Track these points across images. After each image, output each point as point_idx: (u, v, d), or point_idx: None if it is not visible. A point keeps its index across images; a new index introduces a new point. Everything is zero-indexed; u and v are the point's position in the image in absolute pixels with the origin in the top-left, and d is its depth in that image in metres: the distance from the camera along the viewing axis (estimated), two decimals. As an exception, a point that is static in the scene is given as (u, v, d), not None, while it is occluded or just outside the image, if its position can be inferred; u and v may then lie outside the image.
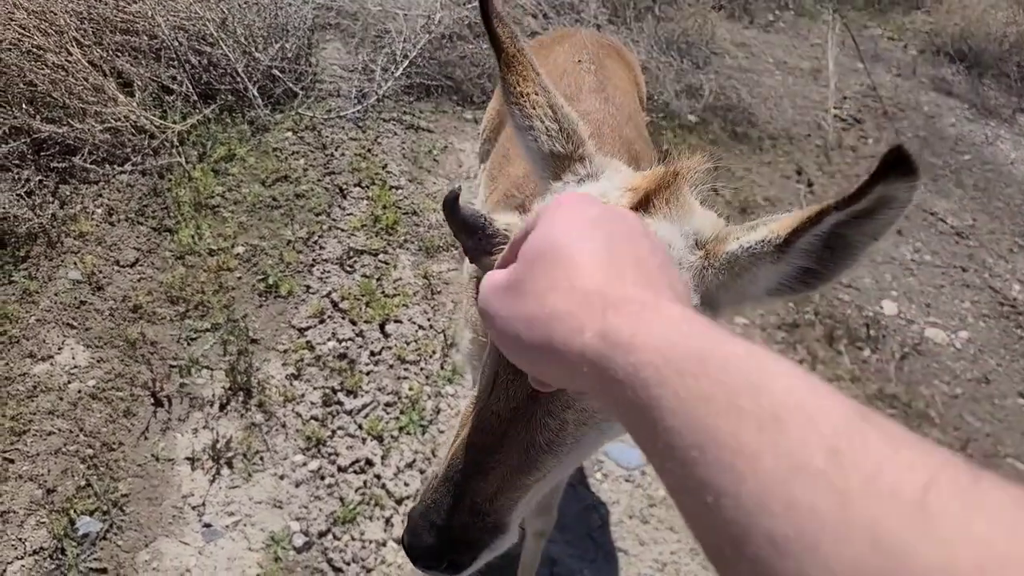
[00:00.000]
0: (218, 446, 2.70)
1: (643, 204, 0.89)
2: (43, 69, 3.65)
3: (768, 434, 0.39)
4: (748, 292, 0.89)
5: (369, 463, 2.76)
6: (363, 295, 3.35)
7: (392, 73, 4.65)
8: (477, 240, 0.87)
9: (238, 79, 4.23)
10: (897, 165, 0.64)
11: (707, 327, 0.48)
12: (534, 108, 1.01)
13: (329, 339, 3.16)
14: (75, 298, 3.10)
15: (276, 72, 4.39)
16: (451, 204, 0.84)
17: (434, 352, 3.19)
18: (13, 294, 3.06)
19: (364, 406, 2.94)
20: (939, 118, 6.03)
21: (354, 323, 3.24)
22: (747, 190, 4.63)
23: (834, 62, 5.88)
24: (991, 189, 5.27)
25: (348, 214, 3.80)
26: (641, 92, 2.68)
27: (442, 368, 3.13)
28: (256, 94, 4.22)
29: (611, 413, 0.53)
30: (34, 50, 3.69)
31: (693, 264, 0.88)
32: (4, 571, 2.29)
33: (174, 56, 4.17)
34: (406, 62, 4.69)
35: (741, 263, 0.86)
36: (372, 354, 3.13)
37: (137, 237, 3.43)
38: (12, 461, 2.56)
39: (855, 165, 5.13)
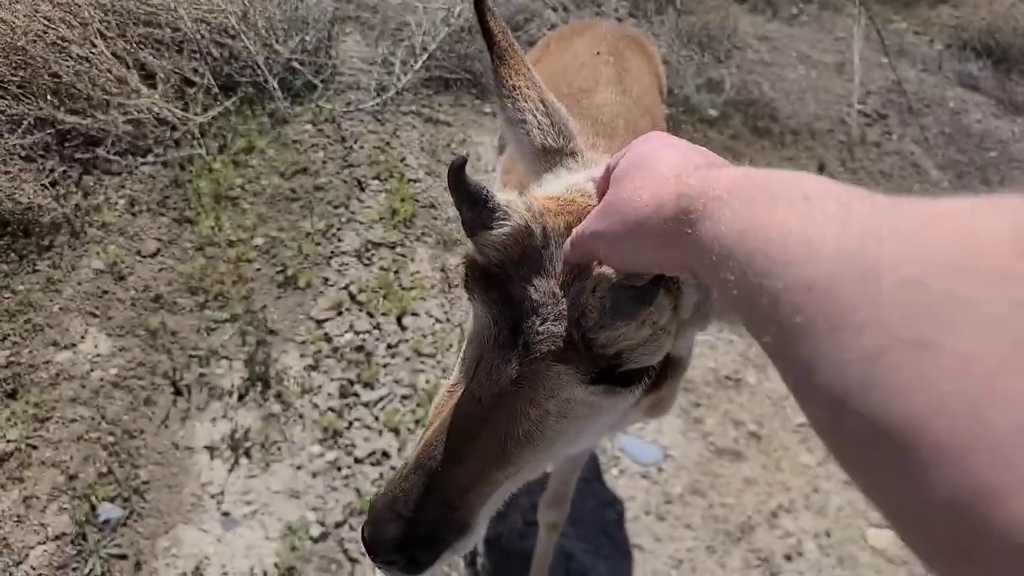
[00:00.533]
0: (236, 436, 2.72)
1: None
2: (67, 61, 3.69)
3: (796, 206, 0.48)
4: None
5: (386, 455, 2.78)
6: (380, 288, 3.37)
7: (411, 66, 4.66)
8: (478, 212, 0.85)
9: (258, 71, 4.25)
10: None
11: (767, 171, 0.57)
12: (526, 101, 1.02)
13: (346, 331, 3.17)
14: (98, 287, 3.13)
15: (296, 64, 4.40)
16: (457, 172, 0.83)
17: (451, 345, 3.19)
18: (37, 283, 3.10)
19: (381, 398, 2.95)
20: (965, 114, 5.94)
21: (371, 315, 3.26)
22: (768, 185, 4.59)
23: (859, 56, 5.81)
24: (1017, 186, 5.18)
25: (366, 207, 3.81)
26: (662, 84, 2.66)
27: (459, 361, 3.13)
28: (276, 86, 4.24)
29: (692, 266, 0.62)
30: (59, 42, 3.73)
31: None
32: (27, 556, 2.33)
33: (196, 48, 4.20)
34: (425, 55, 4.69)
35: None
36: (389, 347, 3.15)
37: (158, 228, 3.46)
38: (35, 447, 2.60)
39: (879, 161, 5.07)
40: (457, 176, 0.83)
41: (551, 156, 1.02)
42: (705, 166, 0.68)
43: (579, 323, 0.83)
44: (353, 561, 2.47)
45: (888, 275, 0.38)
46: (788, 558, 2.70)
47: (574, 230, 0.83)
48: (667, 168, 0.70)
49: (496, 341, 0.88)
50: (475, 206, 0.85)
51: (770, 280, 0.46)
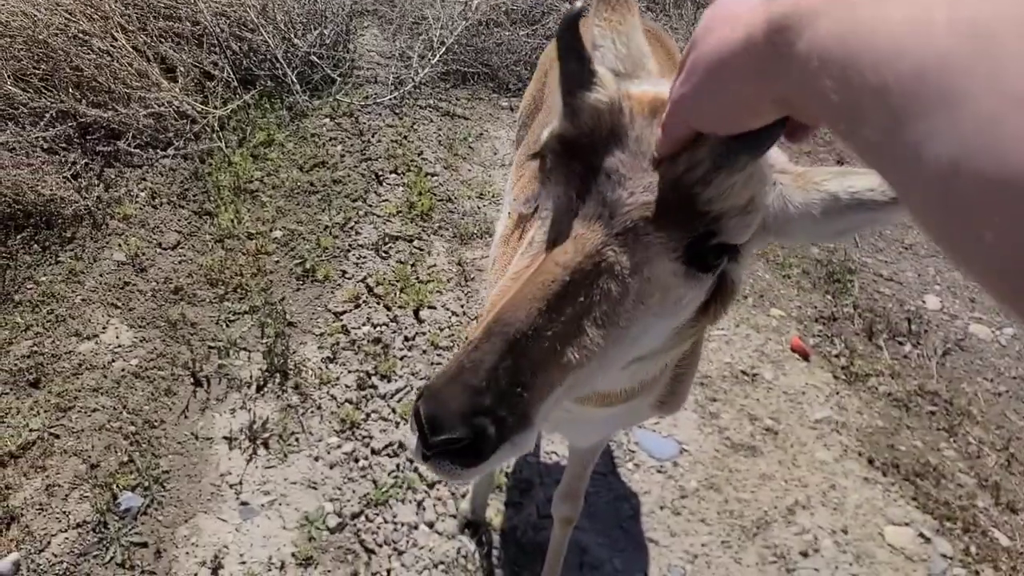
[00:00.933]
0: (255, 426, 2.74)
1: None
2: (89, 54, 3.73)
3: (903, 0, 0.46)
4: (823, 231, 0.92)
5: (402, 447, 2.79)
6: (398, 281, 3.38)
7: (429, 60, 4.66)
8: (581, 68, 0.84)
9: (277, 65, 4.27)
10: None
11: None
12: (613, 33, 1.03)
13: (364, 323, 3.19)
14: (119, 279, 3.17)
15: (314, 58, 4.42)
16: (573, 21, 0.81)
17: (467, 339, 3.19)
18: (59, 274, 3.14)
19: (398, 390, 2.96)
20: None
21: (389, 308, 3.27)
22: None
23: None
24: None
25: (384, 200, 3.83)
26: (681, 79, 2.64)
27: (475, 354, 3.14)
28: (295, 80, 4.26)
29: (790, 92, 0.59)
30: (80, 35, 3.77)
31: (784, 184, 0.90)
32: (49, 543, 2.36)
33: (215, 42, 4.23)
34: (443, 49, 4.70)
35: (841, 205, 0.89)
36: (406, 339, 3.16)
37: (179, 220, 3.49)
38: (58, 436, 2.63)
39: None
40: (571, 25, 0.82)
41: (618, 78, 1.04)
42: None
43: (682, 180, 0.81)
44: (369, 552, 2.48)
45: (1007, 43, 0.38)
46: (804, 555, 2.69)
47: (663, 117, 0.80)
48: (746, 7, 0.66)
49: (579, 215, 0.84)
50: (581, 60, 0.84)
51: (877, 74, 0.45)
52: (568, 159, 0.87)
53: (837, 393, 3.30)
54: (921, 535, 2.79)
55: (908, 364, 3.53)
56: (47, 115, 3.56)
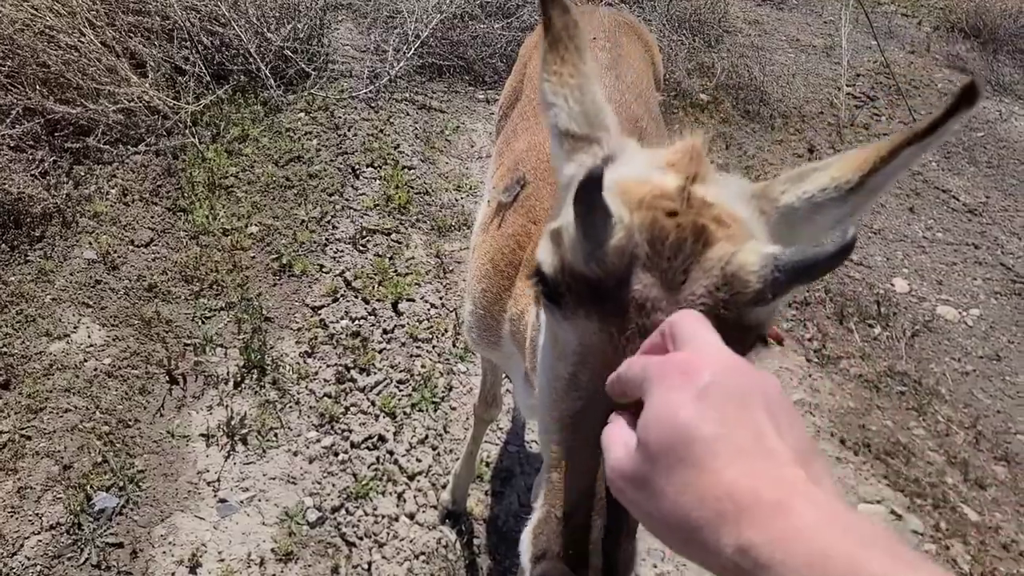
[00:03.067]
0: (233, 423, 2.73)
1: (692, 178, 0.84)
2: (56, 50, 3.67)
3: None
4: (807, 235, 0.89)
5: (382, 439, 2.79)
6: (376, 274, 3.38)
7: (404, 53, 4.65)
8: (606, 222, 0.77)
9: (250, 60, 4.23)
10: (968, 99, 0.72)
11: (846, 531, 0.50)
12: (562, 87, 1.00)
13: (342, 317, 3.18)
14: (90, 277, 3.13)
15: (288, 53, 4.39)
16: (598, 181, 0.74)
17: (446, 330, 3.21)
18: (29, 273, 3.09)
19: (377, 383, 2.96)
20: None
21: (367, 302, 3.27)
22: (758, 168, 4.61)
23: (847, 39, 5.82)
24: (1004, 166, 5.22)
25: (361, 194, 3.82)
26: (658, 71, 2.66)
27: (454, 346, 3.15)
28: (269, 75, 4.22)
29: None
30: (47, 31, 3.70)
31: (755, 219, 0.87)
32: (21, 546, 2.32)
33: (186, 37, 4.18)
34: (418, 42, 4.69)
35: (803, 212, 0.87)
36: (385, 332, 3.16)
37: (152, 217, 3.46)
38: (29, 438, 2.59)
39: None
40: (596, 185, 0.74)
41: (575, 141, 1.00)
42: (769, 474, 0.55)
43: (731, 302, 0.75)
44: (350, 545, 2.49)
45: None
46: (781, 536, 2.73)
47: (607, 462, 0.69)
48: (714, 474, 0.56)
49: (627, 352, 0.76)
50: (606, 216, 0.77)
51: None
52: (595, 298, 0.81)
53: (810, 376, 3.36)
54: (892, 512, 2.85)
55: (878, 346, 3.60)
56: (13, 112, 3.49)
